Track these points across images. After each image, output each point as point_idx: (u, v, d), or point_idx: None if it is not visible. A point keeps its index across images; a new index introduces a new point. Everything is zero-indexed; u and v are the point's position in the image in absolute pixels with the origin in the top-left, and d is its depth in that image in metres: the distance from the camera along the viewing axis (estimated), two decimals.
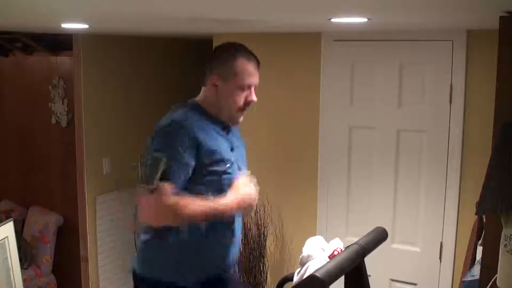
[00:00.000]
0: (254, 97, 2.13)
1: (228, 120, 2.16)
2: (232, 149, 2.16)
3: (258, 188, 2.20)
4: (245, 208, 2.14)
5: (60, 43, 4.17)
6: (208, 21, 2.50)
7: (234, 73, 2.08)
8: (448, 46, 2.95)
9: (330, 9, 1.95)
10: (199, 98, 2.18)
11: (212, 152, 2.04)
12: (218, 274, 2.23)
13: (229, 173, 2.09)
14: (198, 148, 2.00)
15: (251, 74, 2.10)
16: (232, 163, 2.11)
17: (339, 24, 2.51)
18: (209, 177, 2.05)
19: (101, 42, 3.99)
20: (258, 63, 2.14)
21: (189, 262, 2.12)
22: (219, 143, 2.09)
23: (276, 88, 3.51)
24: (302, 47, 3.41)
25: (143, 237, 2.18)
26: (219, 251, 2.18)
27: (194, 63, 4.73)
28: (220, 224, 2.12)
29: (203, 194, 2.01)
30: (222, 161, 2.07)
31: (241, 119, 2.18)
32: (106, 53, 4.09)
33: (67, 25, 2.91)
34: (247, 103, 2.13)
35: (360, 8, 1.89)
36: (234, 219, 2.18)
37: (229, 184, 2.09)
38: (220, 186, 2.07)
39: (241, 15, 2.21)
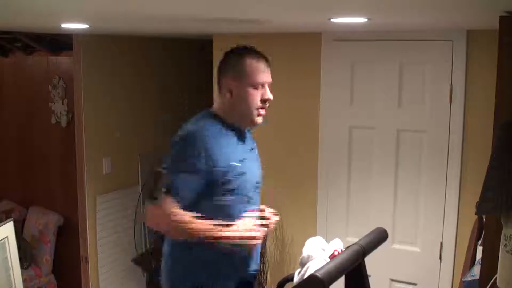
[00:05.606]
0: (269, 95, 2.15)
1: (248, 123, 2.17)
2: (245, 158, 2.16)
3: (275, 220, 2.24)
4: (244, 245, 2.10)
5: (60, 43, 4.17)
6: (208, 21, 2.50)
7: (245, 73, 2.09)
8: (448, 46, 2.94)
9: (330, 9, 1.95)
10: (214, 107, 2.19)
11: (226, 167, 2.05)
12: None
13: (239, 189, 2.10)
14: (212, 162, 2.01)
15: (262, 71, 2.12)
16: (245, 174, 2.12)
17: (339, 24, 2.50)
18: (222, 189, 2.06)
19: (101, 42, 3.98)
20: (267, 61, 2.15)
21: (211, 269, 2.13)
22: (235, 155, 2.10)
23: (276, 88, 3.47)
24: (302, 47, 3.41)
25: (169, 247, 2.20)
26: (236, 261, 2.17)
27: (194, 63, 4.74)
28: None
29: (211, 211, 2.03)
30: (236, 174, 2.07)
31: (260, 119, 2.17)
32: (106, 53, 4.08)
33: (67, 25, 2.91)
34: (264, 101, 2.14)
35: (360, 8, 1.89)
36: None
37: (240, 198, 2.10)
38: (230, 202, 2.08)
39: (241, 15, 2.21)
